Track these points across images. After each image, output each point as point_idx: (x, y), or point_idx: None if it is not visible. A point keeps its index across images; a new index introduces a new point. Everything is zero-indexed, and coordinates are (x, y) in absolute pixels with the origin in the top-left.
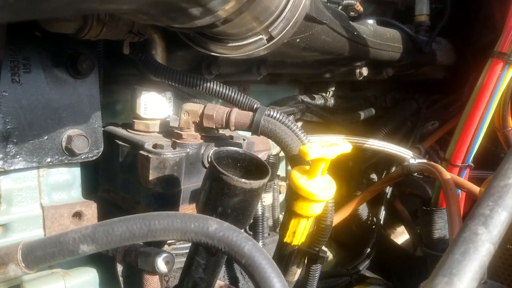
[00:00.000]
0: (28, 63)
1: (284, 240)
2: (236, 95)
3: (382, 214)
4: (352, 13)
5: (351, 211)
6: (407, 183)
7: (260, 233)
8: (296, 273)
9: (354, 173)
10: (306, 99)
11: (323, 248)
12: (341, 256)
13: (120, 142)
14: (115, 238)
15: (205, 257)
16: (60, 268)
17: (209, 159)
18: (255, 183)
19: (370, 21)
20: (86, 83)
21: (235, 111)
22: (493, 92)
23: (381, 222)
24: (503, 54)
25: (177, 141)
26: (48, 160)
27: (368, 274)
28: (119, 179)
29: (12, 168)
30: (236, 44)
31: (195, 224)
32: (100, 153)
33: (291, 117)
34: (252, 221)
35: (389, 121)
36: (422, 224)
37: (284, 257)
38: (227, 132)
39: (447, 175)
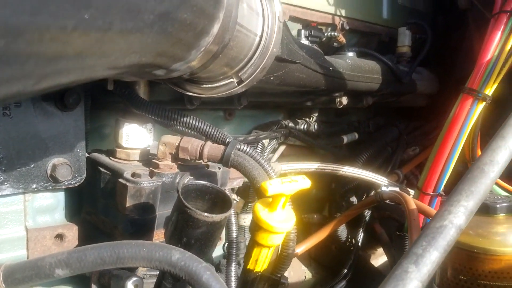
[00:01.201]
0: None
1: (247, 267)
2: (210, 130)
3: (361, 236)
4: (335, 44)
5: (329, 232)
6: (387, 206)
7: (234, 255)
8: None
9: (335, 195)
10: (289, 124)
11: (285, 274)
12: (320, 275)
13: (102, 169)
14: (87, 264)
15: (171, 282)
16: (41, 287)
17: (178, 192)
18: (216, 217)
19: (350, 54)
20: (72, 115)
21: (208, 144)
22: (463, 126)
23: (359, 244)
24: (473, 90)
25: (154, 170)
26: (34, 186)
27: None
28: (100, 203)
29: None
30: (210, 85)
31: (160, 254)
32: (82, 180)
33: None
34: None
35: (371, 146)
36: (396, 248)
37: (248, 282)
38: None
39: (413, 205)
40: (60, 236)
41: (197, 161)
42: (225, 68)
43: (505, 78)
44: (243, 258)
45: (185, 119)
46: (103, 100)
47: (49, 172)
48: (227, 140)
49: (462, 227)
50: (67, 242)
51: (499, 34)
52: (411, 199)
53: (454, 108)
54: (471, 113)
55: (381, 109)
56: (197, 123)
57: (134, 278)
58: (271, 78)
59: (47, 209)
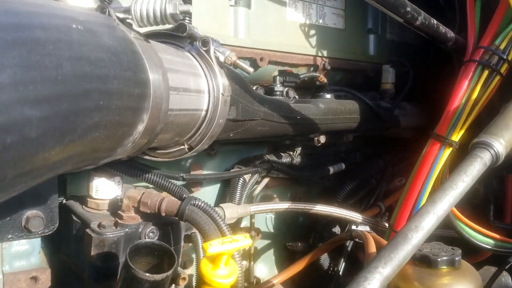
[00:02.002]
0: None
1: None
2: (168, 185)
3: (342, 265)
4: (317, 83)
5: (309, 261)
6: None
7: None
8: None
9: (318, 225)
10: (272, 157)
11: None
12: None
13: (74, 218)
14: None
15: None
16: None
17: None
18: (158, 276)
19: (328, 96)
20: None
21: (166, 200)
22: (431, 169)
23: (340, 272)
24: (440, 136)
25: (119, 221)
26: (10, 236)
27: None
28: (72, 247)
29: None
30: (163, 151)
31: None
32: (55, 229)
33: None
34: None
35: (355, 177)
36: None
37: None
38: None
39: (372, 249)
40: (34, 278)
41: None
42: (176, 137)
43: (472, 125)
44: None
45: (147, 175)
46: None
47: (23, 224)
48: (184, 195)
49: None
50: (40, 284)
51: (466, 82)
52: (372, 243)
53: (423, 152)
54: (438, 158)
55: (370, 139)
56: (157, 179)
57: None
58: (231, 135)
59: (22, 254)
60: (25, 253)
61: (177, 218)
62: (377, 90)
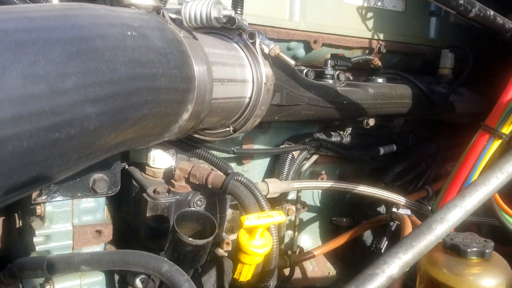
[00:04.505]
0: None
1: (234, 276)
2: (215, 160)
3: (384, 244)
4: (372, 66)
5: (351, 237)
6: None
7: None
8: None
9: (363, 203)
10: (322, 136)
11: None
12: (343, 274)
13: (134, 183)
14: (102, 264)
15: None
16: None
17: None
18: (199, 241)
19: (379, 80)
20: None
21: (213, 174)
22: (478, 160)
23: (382, 250)
24: (490, 128)
25: (172, 189)
26: (79, 194)
27: None
28: (132, 208)
29: (52, 200)
30: (211, 132)
31: (154, 264)
32: (117, 190)
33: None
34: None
35: (405, 159)
36: None
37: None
38: None
39: (409, 232)
40: (99, 232)
41: None
42: (221, 121)
43: None
44: (232, 267)
45: (197, 150)
46: None
47: (90, 185)
48: (229, 171)
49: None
50: (103, 237)
51: None
52: (409, 226)
53: (471, 141)
54: (486, 149)
55: (425, 122)
56: (205, 154)
57: (142, 276)
58: (276, 118)
59: (90, 210)
60: (92, 210)
61: (221, 190)
62: (434, 74)
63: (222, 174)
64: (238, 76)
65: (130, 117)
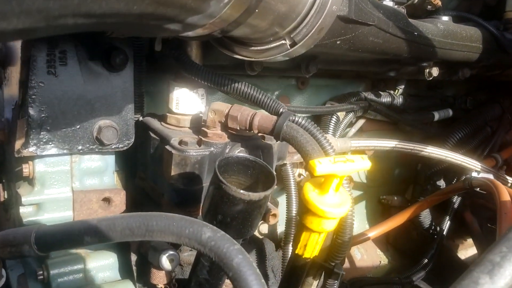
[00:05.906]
0: (64, 56)
1: (296, 252)
2: (262, 97)
3: (447, 224)
4: (429, 7)
5: (410, 217)
6: (481, 193)
7: (293, 235)
8: (313, 284)
9: (420, 178)
10: (370, 96)
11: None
12: (397, 262)
13: (152, 135)
14: (115, 233)
15: (209, 260)
16: (85, 249)
17: (216, 164)
18: (254, 195)
19: (445, 18)
20: (120, 76)
21: (259, 114)
22: None
23: (444, 232)
24: None
25: (203, 138)
26: (79, 147)
27: (422, 286)
28: (150, 169)
29: (44, 153)
30: (259, 48)
31: (190, 230)
32: (130, 144)
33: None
34: (255, 229)
35: (466, 124)
36: (486, 241)
37: (297, 268)
38: None
39: (506, 196)
40: (107, 200)
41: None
42: (275, 27)
43: None
44: (292, 242)
45: (236, 85)
46: (161, 61)
47: (95, 134)
48: (281, 110)
49: None
50: (113, 206)
51: None
52: (505, 190)
53: None
54: None
55: (483, 83)
56: (248, 90)
57: (170, 252)
58: (338, 42)
59: (95, 171)
60: (98, 171)
61: (272, 136)
62: (500, 19)
63: (271, 115)
64: None
65: None
